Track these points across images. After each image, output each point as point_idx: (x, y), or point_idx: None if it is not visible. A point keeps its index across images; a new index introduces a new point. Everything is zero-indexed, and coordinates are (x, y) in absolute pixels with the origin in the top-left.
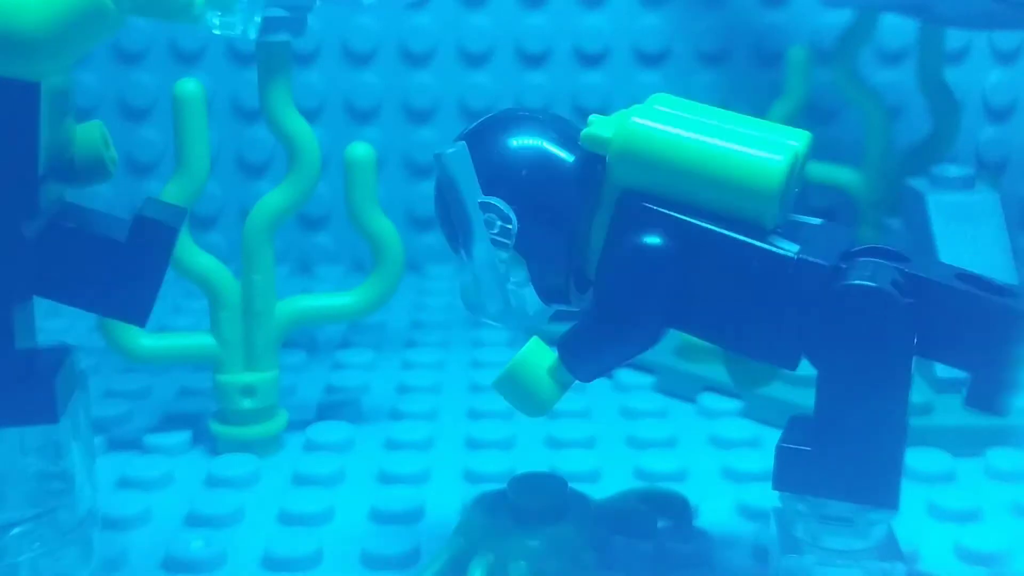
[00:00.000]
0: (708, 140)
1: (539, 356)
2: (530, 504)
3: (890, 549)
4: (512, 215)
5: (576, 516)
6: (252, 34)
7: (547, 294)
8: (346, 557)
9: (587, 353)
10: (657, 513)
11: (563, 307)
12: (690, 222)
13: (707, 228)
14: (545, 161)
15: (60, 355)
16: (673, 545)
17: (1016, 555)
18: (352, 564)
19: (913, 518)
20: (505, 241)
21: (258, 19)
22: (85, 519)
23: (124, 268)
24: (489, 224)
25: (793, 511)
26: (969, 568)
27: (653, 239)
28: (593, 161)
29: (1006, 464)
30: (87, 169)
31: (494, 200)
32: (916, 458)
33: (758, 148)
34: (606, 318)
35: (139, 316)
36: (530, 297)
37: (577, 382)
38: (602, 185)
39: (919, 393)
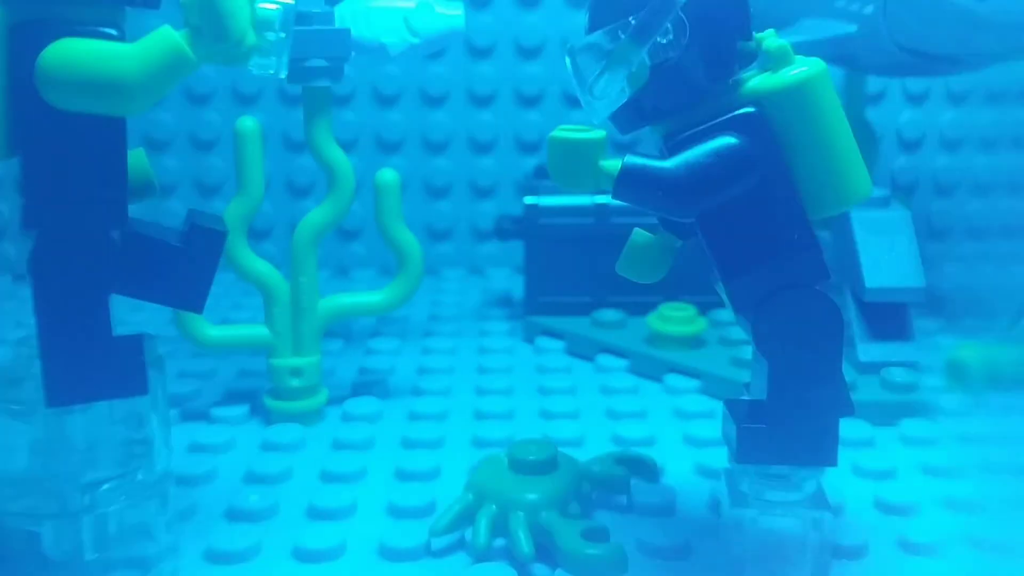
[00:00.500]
0: (848, 134)
1: (601, 149)
2: (526, 464)
3: (820, 500)
4: (686, 41)
5: (564, 474)
6: (283, 74)
7: (633, 112)
8: (376, 509)
9: (641, 183)
10: (630, 472)
11: (620, 127)
12: (785, 174)
13: (791, 190)
14: (741, 26)
15: (143, 342)
16: (643, 499)
17: (924, 507)
18: (380, 515)
19: (839, 476)
20: (662, 54)
21: (286, 60)
22: (162, 477)
23: (183, 267)
24: (664, 32)
25: (740, 471)
26: (885, 517)
27: (756, 152)
28: (749, 57)
29: (917, 432)
30: (139, 189)
31: (687, 20)
32: (841, 426)
33: (864, 166)
34: (680, 173)
35: (196, 305)
36: (614, 101)
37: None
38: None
39: (846, 374)
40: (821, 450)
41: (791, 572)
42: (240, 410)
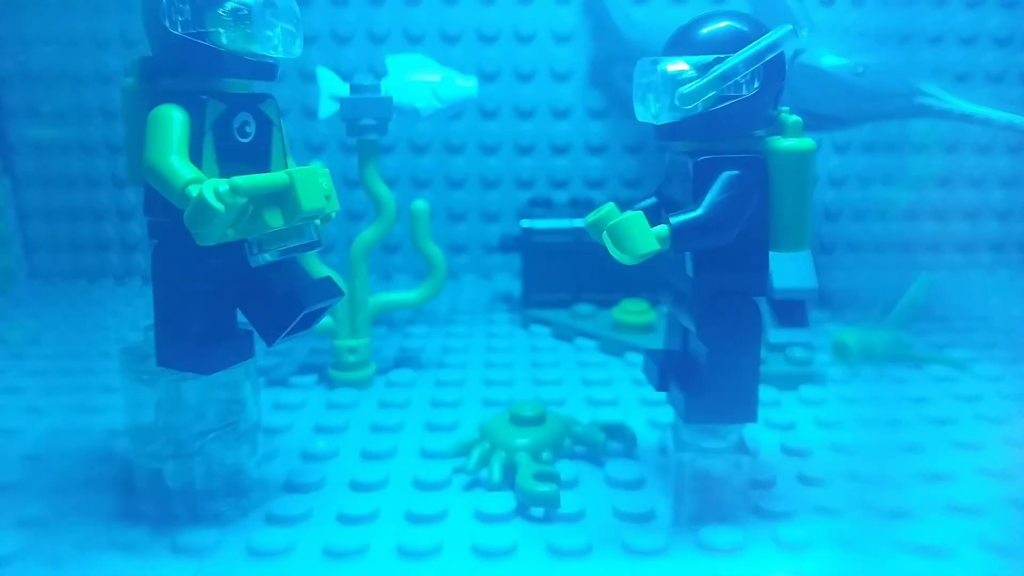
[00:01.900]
0: (811, 199)
1: (646, 222)
2: (523, 418)
3: (740, 446)
4: (756, 88)
5: (550, 425)
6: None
7: (680, 127)
8: (412, 452)
9: (690, 233)
10: (610, 438)
11: (660, 135)
12: (764, 213)
13: (765, 225)
14: (779, 98)
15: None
16: (611, 446)
17: (816, 451)
18: (415, 456)
19: (754, 428)
20: (734, 91)
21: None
22: (253, 428)
23: (271, 308)
24: (744, 76)
25: (682, 424)
26: (788, 458)
27: (754, 183)
28: (772, 122)
29: (811, 395)
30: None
31: (763, 75)
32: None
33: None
34: (713, 214)
35: (268, 339)
36: (685, 113)
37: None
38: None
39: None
40: (746, 411)
41: (719, 500)
42: (311, 378)
